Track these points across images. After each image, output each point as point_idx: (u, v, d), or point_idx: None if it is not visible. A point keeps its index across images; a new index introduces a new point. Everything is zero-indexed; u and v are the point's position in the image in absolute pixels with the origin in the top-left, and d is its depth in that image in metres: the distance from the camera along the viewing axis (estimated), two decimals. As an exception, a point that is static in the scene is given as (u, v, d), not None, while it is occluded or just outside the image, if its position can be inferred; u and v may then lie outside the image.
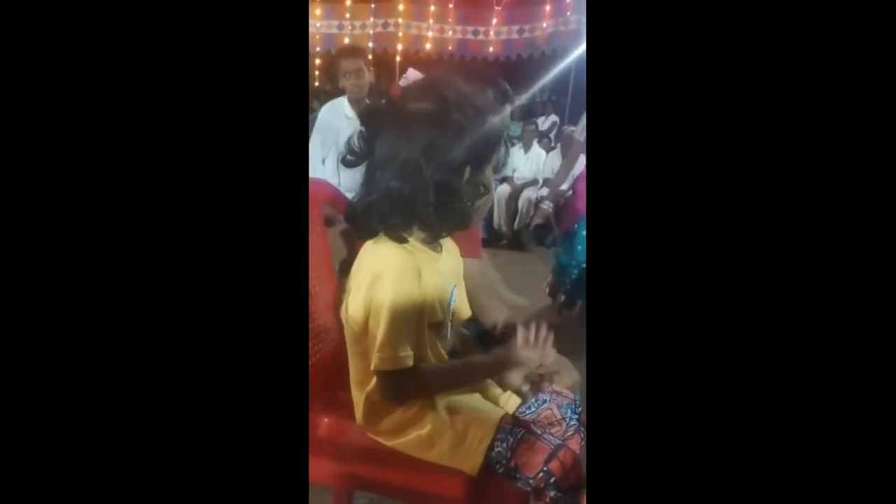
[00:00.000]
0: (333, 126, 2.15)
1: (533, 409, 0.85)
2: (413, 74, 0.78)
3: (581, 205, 2.17)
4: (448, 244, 0.86)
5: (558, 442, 0.78)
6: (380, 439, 0.82)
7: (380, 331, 0.72)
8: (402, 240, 0.76)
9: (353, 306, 0.75)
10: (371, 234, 0.77)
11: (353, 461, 0.85)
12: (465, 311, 0.89)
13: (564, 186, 2.69)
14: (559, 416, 0.82)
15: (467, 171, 0.73)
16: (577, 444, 0.80)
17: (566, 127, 4.24)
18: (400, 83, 0.77)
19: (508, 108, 0.78)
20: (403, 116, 0.72)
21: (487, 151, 0.75)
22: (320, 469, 0.84)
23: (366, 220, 0.76)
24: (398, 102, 0.74)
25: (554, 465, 0.75)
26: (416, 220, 0.75)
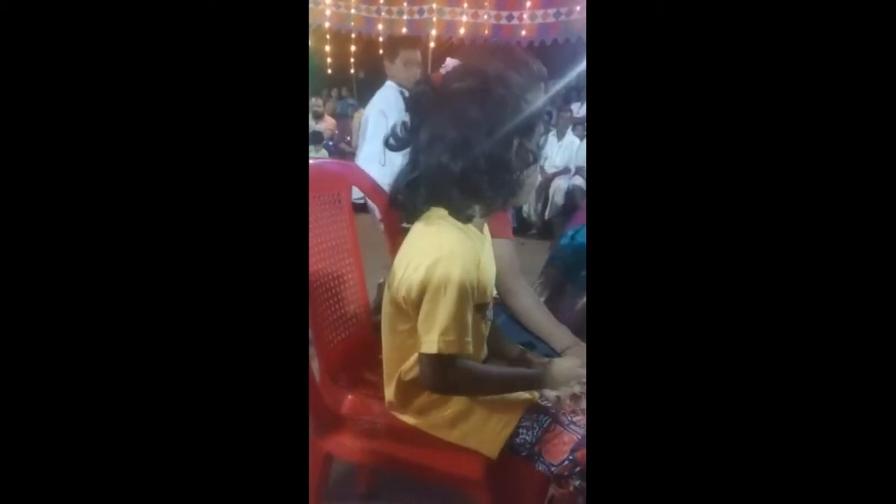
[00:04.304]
0: (391, 107, 2.05)
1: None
2: (451, 62, 0.81)
3: None
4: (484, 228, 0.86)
5: (585, 432, 0.78)
6: (404, 418, 0.84)
7: (443, 314, 0.71)
8: (467, 218, 0.76)
9: (408, 285, 0.74)
10: (415, 212, 0.78)
11: (376, 438, 0.87)
12: (493, 292, 0.90)
13: None
14: (583, 406, 0.82)
15: (515, 141, 0.74)
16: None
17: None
18: (441, 72, 0.79)
19: (543, 85, 0.79)
20: (447, 97, 0.74)
21: (532, 120, 0.76)
22: (344, 445, 0.87)
23: (411, 197, 0.77)
24: (441, 87, 0.76)
25: (580, 455, 0.75)
26: (472, 195, 0.75)
